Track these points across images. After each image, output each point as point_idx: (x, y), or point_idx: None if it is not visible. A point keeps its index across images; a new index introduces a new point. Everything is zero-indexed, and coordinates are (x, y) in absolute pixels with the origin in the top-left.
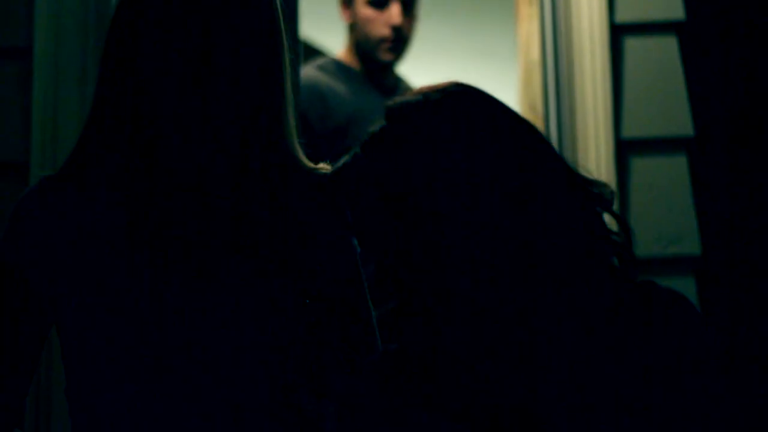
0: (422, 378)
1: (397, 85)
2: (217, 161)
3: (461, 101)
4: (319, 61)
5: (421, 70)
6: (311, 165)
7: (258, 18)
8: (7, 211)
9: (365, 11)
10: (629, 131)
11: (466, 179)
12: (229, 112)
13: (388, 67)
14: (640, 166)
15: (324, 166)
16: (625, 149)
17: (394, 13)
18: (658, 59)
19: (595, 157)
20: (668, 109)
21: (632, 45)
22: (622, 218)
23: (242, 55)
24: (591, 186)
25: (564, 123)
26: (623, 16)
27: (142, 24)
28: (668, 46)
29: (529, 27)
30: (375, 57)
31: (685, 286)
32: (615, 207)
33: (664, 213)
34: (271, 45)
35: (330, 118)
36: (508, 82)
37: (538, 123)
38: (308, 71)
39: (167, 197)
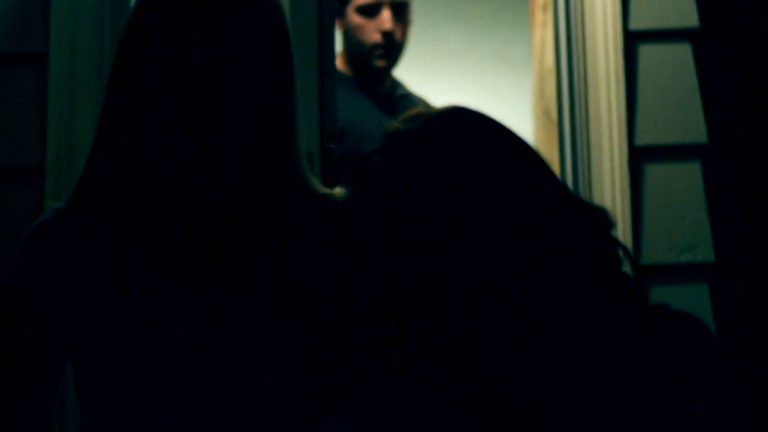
0: (425, 386)
1: (393, 91)
2: (220, 184)
3: (459, 128)
4: None
5: (435, 76)
6: (323, 189)
7: (265, 33)
8: (23, 217)
9: (356, 19)
10: (643, 138)
11: (467, 207)
12: (233, 132)
13: (382, 74)
14: (654, 173)
15: (338, 191)
16: (638, 156)
17: (385, 18)
18: (672, 66)
19: (608, 163)
20: (682, 116)
21: (646, 52)
22: (623, 244)
23: (248, 73)
24: (592, 210)
25: (578, 129)
26: (637, 23)
27: (145, 43)
28: (682, 53)
29: (543, 33)
30: (368, 64)
31: (699, 294)
32: (627, 217)
33: (677, 220)
34: (278, 62)
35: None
36: (522, 89)
37: (552, 129)
38: None
39: (169, 225)
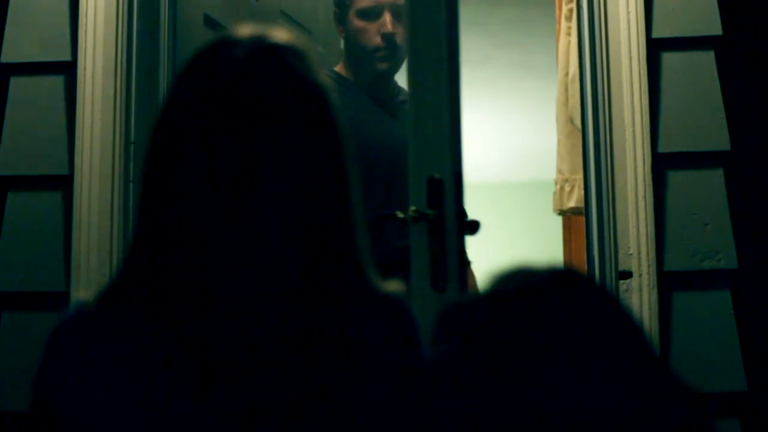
0: None
1: (396, 96)
2: (268, 289)
3: (576, 303)
4: None
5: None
6: (384, 287)
7: (314, 128)
8: (51, 224)
9: (357, 22)
10: (666, 145)
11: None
12: (278, 233)
13: (385, 78)
14: (677, 179)
15: (396, 286)
16: (661, 163)
17: (386, 21)
18: (695, 74)
19: (632, 170)
20: (705, 123)
21: (669, 60)
22: None
23: (297, 169)
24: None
25: (601, 136)
26: (660, 31)
27: (183, 139)
28: (705, 60)
29: (568, 41)
30: (370, 67)
31: (721, 300)
32: (650, 224)
33: (700, 227)
34: (330, 153)
35: None
36: (548, 96)
37: (577, 136)
38: None
39: (212, 335)
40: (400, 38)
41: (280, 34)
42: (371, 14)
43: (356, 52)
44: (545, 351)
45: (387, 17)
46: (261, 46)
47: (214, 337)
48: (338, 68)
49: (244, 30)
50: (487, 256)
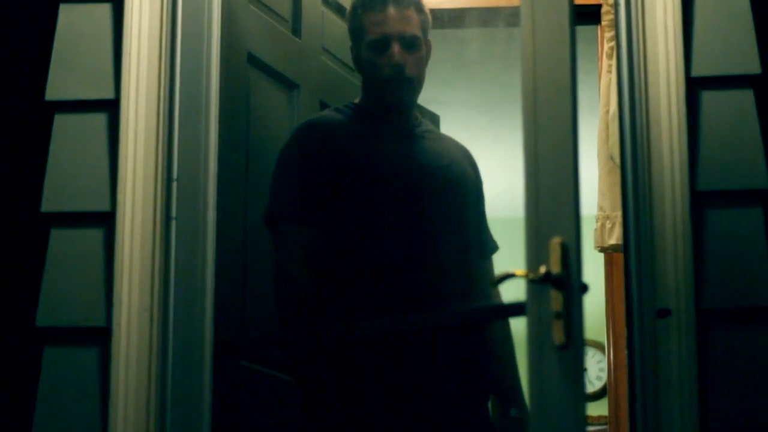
0: None
1: (417, 126)
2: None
3: None
4: (339, 105)
5: (507, 121)
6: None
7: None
8: (93, 260)
9: (368, 55)
10: (705, 183)
11: None
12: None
13: (401, 108)
14: (716, 218)
15: None
16: (700, 201)
17: (394, 52)
18: (734, 112)
19: (670, 208)
20: (744, 161)
21: (708, 98)
22: None
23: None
24: None
25: (639, 174)
26: (699, 69)
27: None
28: (744, 99)
29: (609, 79)
30: (383, 99)
31: (762, 338)
32: (689, 261)
33: (739, 265)
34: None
35: (341, 154)
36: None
37: (617, 174)
38: (325, 112)
39: None
40: (411, 68)
41: None
42: (380, 46)
43: (370, 85)
44: None
45: (395, 48)
46: None
47: None
48: (357, 100)
49: None
50: None
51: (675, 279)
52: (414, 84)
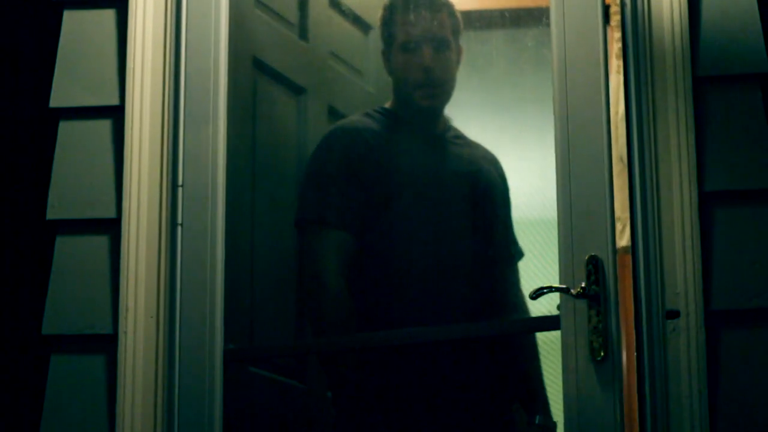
0: None
1: (447, 130)
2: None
3: None
4: (369, 109)
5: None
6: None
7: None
8: (98, 267)
9: (399, 57)
10: (713, 183)
11: None
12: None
13: (431, 113)
14: (724, 217)
15: None
16: (708, 201)
17: (425, 55)
18: (743, 109)
19: (678, 208)
20: (753, 160)
21: (716, 96)
22: None
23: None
24: None
25: (647, 175)
26: (706, 69)
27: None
28: (751, 98)
29: (617, 80)
30: (413, 103)
31: None
32: (698, 262)
33: (748, 265)
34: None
35: (373, 159)
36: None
37: (626, 175)
38: (356, 117)
39: None
40: (442, 72)
41: None
42: (411, 48)
43: (401, 88)
44: None
45: (426, 50)
46: None
47: None
48: (388, 104)
49: None
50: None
51: (684, 280)
52: (444, 88)
